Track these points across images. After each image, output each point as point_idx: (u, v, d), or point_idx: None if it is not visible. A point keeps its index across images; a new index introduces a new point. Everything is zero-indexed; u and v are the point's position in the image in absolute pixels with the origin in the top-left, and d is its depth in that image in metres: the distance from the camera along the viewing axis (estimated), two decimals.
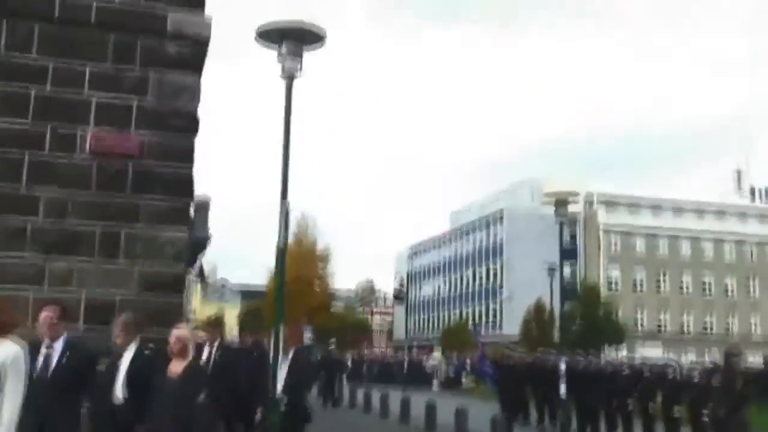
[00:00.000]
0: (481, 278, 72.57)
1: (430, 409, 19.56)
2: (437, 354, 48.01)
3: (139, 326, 8.01)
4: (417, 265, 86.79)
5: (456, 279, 77.33)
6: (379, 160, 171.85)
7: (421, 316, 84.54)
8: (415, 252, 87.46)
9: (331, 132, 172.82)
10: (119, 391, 7.41)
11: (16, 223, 9.58)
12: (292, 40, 8.29)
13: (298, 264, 68.72)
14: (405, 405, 21.63)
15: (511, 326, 59.06)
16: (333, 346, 36.41)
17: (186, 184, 10.27)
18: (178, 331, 7.61)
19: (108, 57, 10.10)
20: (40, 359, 6.75)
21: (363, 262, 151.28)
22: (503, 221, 69.51)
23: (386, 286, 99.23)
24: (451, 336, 57.09)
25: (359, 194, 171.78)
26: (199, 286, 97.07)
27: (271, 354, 9.59)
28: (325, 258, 72.16)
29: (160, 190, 10.03)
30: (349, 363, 45.97)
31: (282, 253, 8.05)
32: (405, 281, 57.21)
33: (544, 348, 26.99)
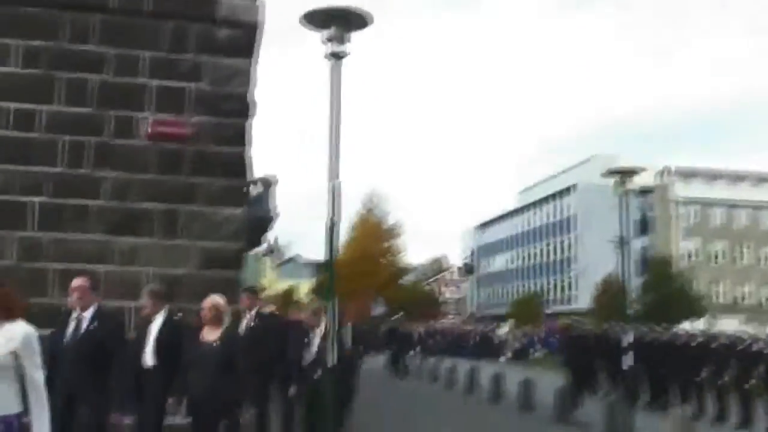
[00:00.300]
0: (551, 252, 72.12)
1: (497, 380, 19.74)
2: (506, 326, 48.01)
3: (166, 296, 8.10)
4: (487, 239, 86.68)
5: (526, 252, 77.03)
6: (448, 135, 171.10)
7: (491, 290, 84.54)
8: (485, 226, 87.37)
9: (401, 108, 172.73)
10: (148, 358, 7.47)
11: (82, 205, 10.14)
12: (338, 23, 8.47)
13: (367, 239, 69.62)
14: (472, 376, 21.86)
15: (583, 300, 58.68)
16: (400, 320, 36.82)
17: (240, 165, 10.68)
18: (211, 299, 7.54)
19: (163, 44, 10.55)
20: (71, 327, 6.82)
21: (433, 237, 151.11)
22: (574, 195, 68.81)
23: (457, 260, 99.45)
24: (521, 308, 57.07)
25: (430, 170, 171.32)
26: (270, 262, 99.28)
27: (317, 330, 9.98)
28: (394, 233, 72.87)
29: (215, 172, 10.46)
30: (418, 336, 46.42)
31: (332, 231, 8.34)
32: (474, 255, 57.21)
33: (615, 321, 26.82)
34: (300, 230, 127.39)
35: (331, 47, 8.51)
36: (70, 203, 10.11)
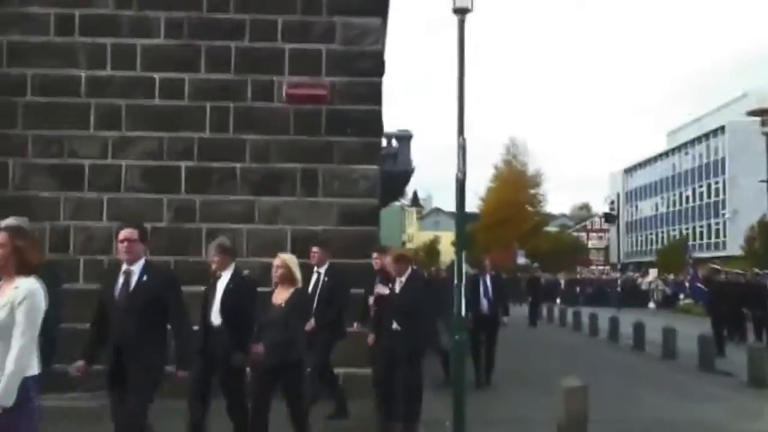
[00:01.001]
0: (701, 196, 69.02)
1: (639, 328, 19.42)
2: (653, 273, 46.68)
3: (235, 251, 7.65)
4: (633, 185, 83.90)
5: (674, 197, 74.03)
6: (593, 81, 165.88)
7: (638, 236, 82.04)
8: (631, 171, 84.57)
9: (539, 55, 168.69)
10: (215, 315, 7.11)
11: (227, 167, 10.68)
12: None
13: (510, 188, 69.11)
14: (614, 324, 21.57)
15: (733, 245, 56.06)
16: (537, 270, 36.56)
17: (375, 123, 10.91)
18: (281, 257, 7.15)
19: (297, 8, 10.83)
20: (119, 282, 6.17)
21: (578, 184, 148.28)
22: (725, 136, 65.36)
23: (602, 206, 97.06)
24: (668, 255, 55.17)
25: (573, 117, 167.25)
26: (414, 214, 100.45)
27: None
28: (536, 181, 72.00)
29: (351, 131, 10.72)
30: (562, 285, 46.00)
31: (461, 185, 8.47)
32: (618, 201, 55.67)
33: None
34: (440, 182, 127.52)
35: (456, 2, 8.56)
36: (216, 166, 10.68)
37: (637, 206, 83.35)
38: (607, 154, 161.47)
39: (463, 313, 8.45)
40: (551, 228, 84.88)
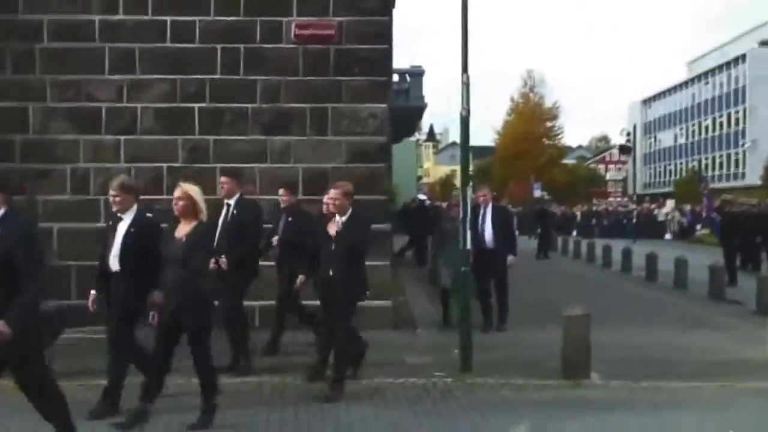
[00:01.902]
0: (720, 126, 68.38)
1: (651, 259, 19.67)
2: (670, 204, 46.67)
3: (138, 190, 6.94)
4: (651, 116, 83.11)
5: (693, 127, 73.34)
6: (608, 10, 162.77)
7: (656, 167, 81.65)
8: (649, 102, 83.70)
9: None
10: (113, 261, 6.58)
11: (239, 108, 10.96)
12: None
13: (525, 122, 68.89)
14: (627, 255, 21.83)
15: (753, 176, 55.83)
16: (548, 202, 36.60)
17: (383, 62, 11.12)
18: (181, 187, 6.49)
19: None
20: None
21: (598, 116, 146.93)
22: (746, 65, 64.35)
23: (621, 138, 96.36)
24: (685, 186, 55.10)
25: (590, 49, 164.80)
26: (431, 149, 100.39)
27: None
28: (553, 113, 71.64)
29: (359, 70, 10.93)
30: (578, 217, 46.20)
31: (465, 121, 8.70)
32: (635, 133, 55.20)
33: None
34: (457, 116, 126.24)
35: None
36: (227, 107, 10.95)
37: (655, 137, 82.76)
38: (628, 85, 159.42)
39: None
40: (569, 161, 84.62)
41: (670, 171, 77.25)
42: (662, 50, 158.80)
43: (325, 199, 7.99)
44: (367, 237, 7.89)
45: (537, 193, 55.27)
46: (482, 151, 72.36)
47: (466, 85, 8.57)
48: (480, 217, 11.13)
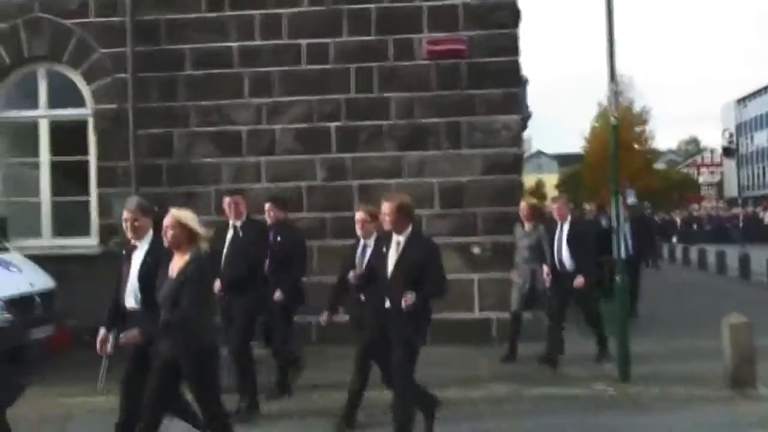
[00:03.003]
0: None
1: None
2: None
3: (152, 212, 5.91)
4: (746, 116, 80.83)
5: None
6: (696, 11, 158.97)
7: (755, 169, 79.28)
8: (744, 102, 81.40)
9: None
10: (129, 297, 5.62)
11: (374, 125, 11.16)
12: None
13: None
14: (744, 261, 21.21)
15: None
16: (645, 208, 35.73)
17: (513, 73, 11.13)
18: (171, 214, 5.32)
19: None
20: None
21: (683, 119, 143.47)
22: None
23: (712, 140, 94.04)
24: None
25: (678, 51, 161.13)
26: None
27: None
28: (643, 119, 70.15)
29: (490, 83, 11.00)
30: (678, 223, 45.11)
31: (615, 129, 8.69)
32: (734, 134, 53.56)
33: None
34: (540, 123, 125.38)
35: None
36: (363, 125, 11.16)
37: (752, 137, 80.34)
38: (715, 86, 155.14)
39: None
40: (659, 165, 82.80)
41: None
42: (757, 50, 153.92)
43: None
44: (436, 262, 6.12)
45: (631, 199, 54.14)
46: (569, 158, 71.46)
47: (615, 94, 8.55)
48: (556, 234, 9.56)
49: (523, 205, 9.93)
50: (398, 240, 6.11)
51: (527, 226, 9.75)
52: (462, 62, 11.08)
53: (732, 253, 22.83)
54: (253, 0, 11.22)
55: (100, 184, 11.35)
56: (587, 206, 20.32)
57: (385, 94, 11.15)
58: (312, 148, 11.19)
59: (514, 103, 11.10)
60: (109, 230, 10.96)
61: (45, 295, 9.49)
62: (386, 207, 6.11)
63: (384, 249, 6.18)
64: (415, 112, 11.12)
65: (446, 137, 11.10)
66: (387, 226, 6.19)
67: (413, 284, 5.88)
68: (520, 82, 11.16)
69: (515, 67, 11.09)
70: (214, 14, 11.27)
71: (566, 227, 9.53)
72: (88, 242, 11.42)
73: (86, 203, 11.56)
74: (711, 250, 24.66)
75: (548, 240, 9.55)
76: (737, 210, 46.41)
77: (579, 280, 9.23)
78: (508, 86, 11.08)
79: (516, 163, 11.16)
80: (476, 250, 10.97)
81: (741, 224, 39.52)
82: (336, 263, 7.88)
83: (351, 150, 11.17)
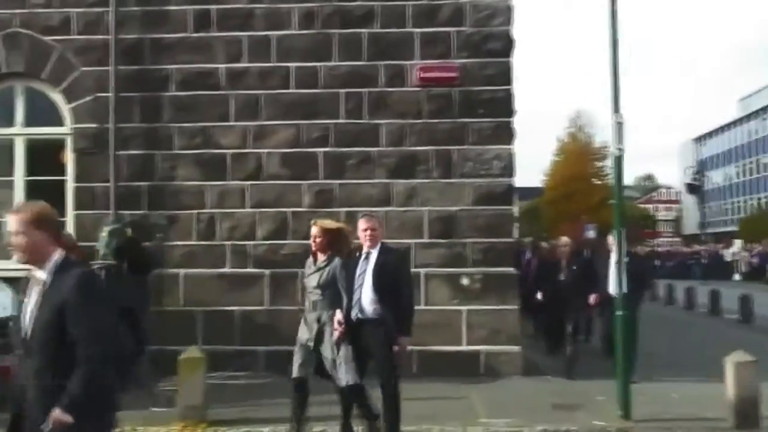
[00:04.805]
0: None
1: (744, 301, 19.06)
2: (738, 244, 45.66)
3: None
4: (704, 154, 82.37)
5: (751, 165, 72.44)
6: (650, 51, 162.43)
7: (711, 206, 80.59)
8: (702, 140, 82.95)
9: (599, 25, 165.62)
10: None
11: (363, 151, 10.90)
12: None
13: (574, 162, 68.22)
14: (715, 297, 21.21)
15: None
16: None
17: (506, 103, 10.96)
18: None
19: None
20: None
21: (638, 155, 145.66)
22: None
23: (667, 177, 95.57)
24: (752, 224, 54.14)
25: (635, 88, 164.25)
26: None
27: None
28: (603, 154, 70.90)
29: (483, 112, 10.84)
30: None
31: (619, 161, 8.56)
32: (700, 171, 54.55)
33: None
34: (524, 156, 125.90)
35: None
36: (352, 151, 10.90)
37: (709, 175, 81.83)
38: (670, 124, 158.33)
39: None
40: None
41: (727, 210, 76.13)
42: (712, 89, 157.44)
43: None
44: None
45: (591, 234, 54.52)
46: (529, 192, 71.87)
47: (618, 125, 8.41)
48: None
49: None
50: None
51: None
52: (454, 90, 10.90)
53: (700, 290, 22.90)
54: (242, 21, 10.97)
55: (78, 206, 10.90)
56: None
57: (375, 121, 10.92)
58: (299, 173, 10.90)
59: (507, 133, 10.92)
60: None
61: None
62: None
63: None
64: (406, 139, 10.90)
65: (437, 166, 10.89)
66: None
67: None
68: (513, 112, 10.96)
69: (508, 96, 10.94)
70: (200, 34, 10.98)
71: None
72: None
73: (61, 225, 11.06)
74: (683, 287, 24.73)
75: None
76: (699, 247, 47.00)
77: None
78: (501, 116, 10.91)
79: (508, 194, 10.95)
80: (465, 281, 10.75)
81: (704, 261, 40.07)
82: None
83: (339, 176, 10.90)
